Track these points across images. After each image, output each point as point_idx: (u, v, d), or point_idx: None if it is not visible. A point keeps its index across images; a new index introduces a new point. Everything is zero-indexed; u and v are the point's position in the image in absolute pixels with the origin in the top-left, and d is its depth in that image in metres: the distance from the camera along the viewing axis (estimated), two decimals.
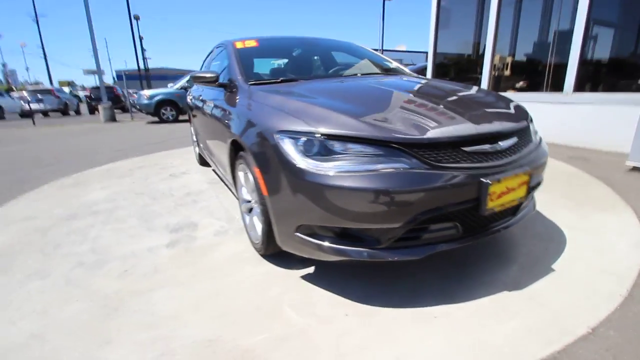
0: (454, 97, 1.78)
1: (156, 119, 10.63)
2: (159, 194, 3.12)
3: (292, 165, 1.36)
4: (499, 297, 1.47)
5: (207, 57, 3.70)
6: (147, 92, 10.36)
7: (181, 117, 10.95)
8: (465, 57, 6.16)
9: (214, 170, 3.76)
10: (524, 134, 1.58)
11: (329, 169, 1.29)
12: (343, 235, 1.37)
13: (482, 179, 1.29)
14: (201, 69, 3.76)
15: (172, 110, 10.41)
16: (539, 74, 4.90)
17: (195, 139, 4.18)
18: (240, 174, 1.98)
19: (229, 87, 2.20)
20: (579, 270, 1.65)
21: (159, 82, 23.08)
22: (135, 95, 23.57)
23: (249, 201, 2.00)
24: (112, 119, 11.29)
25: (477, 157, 1.35)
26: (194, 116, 3.81)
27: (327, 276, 1.68)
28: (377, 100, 1.74)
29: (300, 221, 1.41)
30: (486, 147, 1.36)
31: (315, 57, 2.71)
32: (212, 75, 2.24)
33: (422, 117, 1.42)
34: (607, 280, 1.56)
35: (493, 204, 1.33)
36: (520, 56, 5.29)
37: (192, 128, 4.24)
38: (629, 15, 4.09)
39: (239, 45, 2.50)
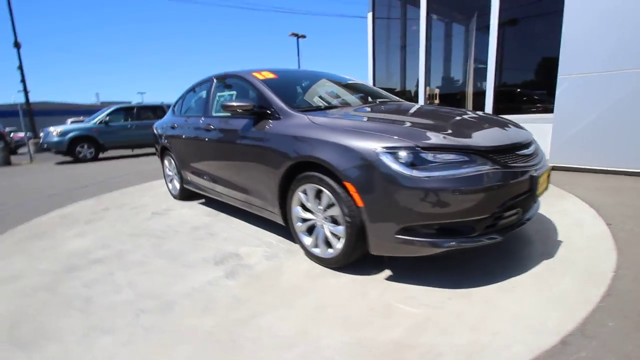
0: (481, 116, 2.24)
1: (68, 158, 9.28)
2: (161, 233, 2.87)
3: (398, 176, 1.58)
4: (537, 269, 1.90)
5: (189, 91, 3.64)
6: (56, 129, 8.99)
7: (103, 155, 9.80)
8: (401, 91, 7.14)
9: (203, 201, 3.60)
10: (536, 143, 2.12)
11: (431, 176, 1.56)
12: (442, 230, 1.63)
13: (532, 174, 1.73)
14: (181, 101, 3.68)
15: (91, 147, 9.23)
16: (461, 102, 6.04)
17: (172, 173, 3.94)
18: (300, 195, 2.08)
19: (269, 115, 2.30)
20: (574, 236, 2.22)
21: (45, 119, 20.02)
22: (16, 135, 19.69)
23: (307, 220, 2.11)
24: (7, 162, 9.35)
25: (524, 159, 1.79)
26: (164, 150, 3.65)
27: (403, 274, 1.89)
28: (435, 118, 2.08)
29: (403, 224, 1.63)
30: (526, 151, 1.83)
31: (330, 86, 2.97)
32: (249, 104, 2.32)
33: (479, 130, 1.82)
34: (593, 242, 2.15)
35: (539, 192, 1.78)
36: (448, 88, 6.43)
37: (167, 161, 3.99)
38: (526, 54, 5.44)
39: (260, 77, 2.62)
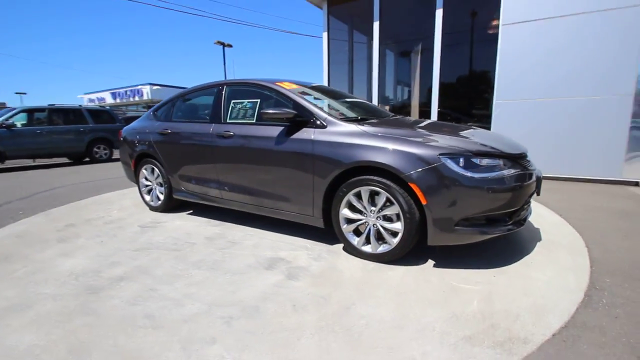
0: (487, 131, 2.74)
1: None
2: (173, 246, 2.67)
3: (458, 176, 1.92)
4: (537, 249, 2.45)
5: (180, 97, 3.46)
6: None
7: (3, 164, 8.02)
8: None
9: (191, 211, 3.42)
10: None
11: (487, 176, 1.95)
12: (489, 220, 2.02)
13: (538, 175, 2.27)
14: (168, 107, 3.48)
15: None
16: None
17: (152, 183, 3.62)
18: (351, 198, 2.26)
19: (311, 124, 2.43)
20: (543, 224, 2.88)
21: None
22: None
23: (355, 221, 2.30)
24: None
25: (530, 163, 2.32)
26: (142, 157, 3.45)
27: (445, 262, 2.22)
28: (460, 130, 2.46)
29: (461, 216, 1.96)
30: (528, 157, 2.37)
31: (340, 99, 3.20)
32: (291, 113, 2.41)
33: (500, 140, 2.30)
34: (558, 228, 2.84)
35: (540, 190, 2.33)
36: (398, 104, 7.25)
37: (145, 171, 3.64)
38: (468, 78, 6.53)
39: (288, 87, 2.71)
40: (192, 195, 3.28)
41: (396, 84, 7.50)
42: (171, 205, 3.59)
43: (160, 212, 3.63)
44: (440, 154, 1.98)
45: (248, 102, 2.87)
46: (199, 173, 3.12)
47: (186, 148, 3.17)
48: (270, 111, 2.42)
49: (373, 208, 2.22)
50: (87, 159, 9.36)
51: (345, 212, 2.32)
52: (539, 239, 2.59)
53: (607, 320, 1.59)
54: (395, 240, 2.15)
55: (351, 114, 2.86)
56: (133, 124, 3.94)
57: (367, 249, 2.27)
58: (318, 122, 2.41)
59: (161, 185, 3.57)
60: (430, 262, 2.23)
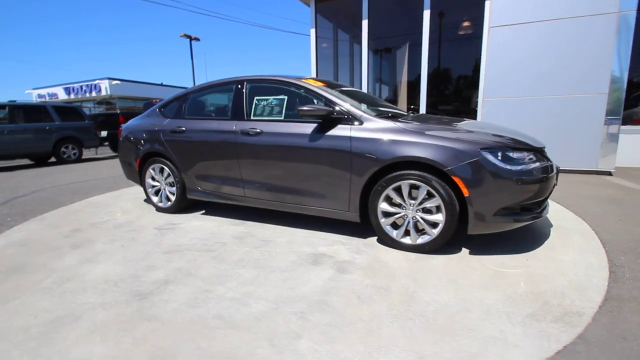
0: (507, 128, 2.92)
1: None
2: (203, 247, 2.61)
3: (498, 169, 2.07)
4: (554, 234, 2.69)
5: (192, 93, 3.34)
6: None
7: None
8: None
9: (203, 211, 3.33)
10: None
11: (522, 168, 2.11)
12: (522, 209, 2.20)
13: (557, 167, 2.49)
14: (179, 103, 3.35)
15: None
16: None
17: (160, 183, 3.47)
18: (390, 192, 2.34)
19: (346, 120, 2.47)
20: (549, 212, 3.15)
21: None
22: None
23: (393, 214, 2.40)
24: None
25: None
26: (149, 157, 3.37)
27: (480, 250, 2.38)
28: (487, 127, 2.61)
29: (500, 206, 2.12)
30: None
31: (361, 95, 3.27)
32: (327, 110, 2.44)
33: (524, 136, 2.48)
34: (562, 214, 3.12)
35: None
36: (385, 97, 7.44)
37: (152, 171, 3.49)
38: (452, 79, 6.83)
39: (317, 84, 2.73)
40: (210, 194, 3.20)
41: (381, 81, 7.69)
42: (183, 205, 3.47)
43: (171, 213, 3.50)
44: (482, 149, 2.13)
45: (274, 99, 2.85)
46: (220, 171, 3.05)
47: (205, 146, 3.08)
48: (307, 108, 2.43)
49: (412, 201, 2.32)
50: (53, 160, 8.66)
51: (383, 206, 2.40)
52: (551, 225, 2.84)
53: (637, 292, 1.81)
54: (436, 231, 2.27)
55: (374, 111, 2.94)
56: (134, 121, 3.74)
57: (407, 240, 2.38)
58: (354, 119, 2.47)
59: (172, 185, 3.43)
60: (465, 251, 2.38)
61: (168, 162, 3.36)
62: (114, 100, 28.78)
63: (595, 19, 4.38)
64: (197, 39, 25.44)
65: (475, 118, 5.54)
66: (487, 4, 5.75)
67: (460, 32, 6.48)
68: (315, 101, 2.66)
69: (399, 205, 2.39)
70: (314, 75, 7.54)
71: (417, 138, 2.26)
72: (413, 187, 2.30)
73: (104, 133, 10.34)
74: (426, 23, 6.29)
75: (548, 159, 2.37)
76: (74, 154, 8.80)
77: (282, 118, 2.76)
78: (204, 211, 3.55)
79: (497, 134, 2.32)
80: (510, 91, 4.99)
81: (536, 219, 2.26)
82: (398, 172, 2.30)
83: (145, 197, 4.24)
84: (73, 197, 4.46)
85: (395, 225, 2.45)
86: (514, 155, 2.17)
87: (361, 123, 2.45)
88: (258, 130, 2.78)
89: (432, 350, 1.41)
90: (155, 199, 3.58)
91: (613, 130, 4.49)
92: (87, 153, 10.38)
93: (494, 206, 2.13)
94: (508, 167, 2.11)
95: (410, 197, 2.33)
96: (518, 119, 5.07)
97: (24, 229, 3.18)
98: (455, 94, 6.45)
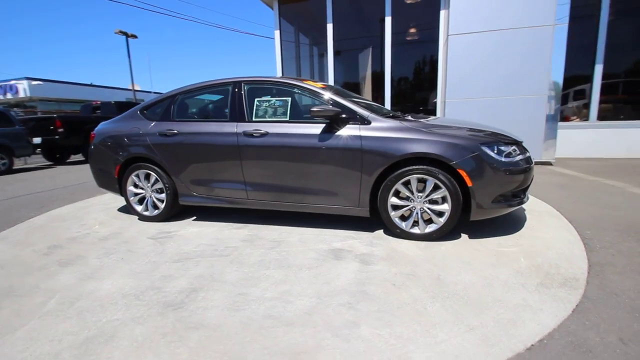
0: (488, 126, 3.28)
1: None
2: (214, 252, 2.54)
3: (495, 162, 2.36)
4: (529, 217, 3.10)
5: (181, 94, 3.19)
6: None
7: None
8: None
9: (195, 217, 3.22)
10: None
11: (513, 160, 2.42)
12: (512, 195, 2.51)
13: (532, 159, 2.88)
14: (168, 105, 3.19)
15: None
16: None
17: (146, 191, 3.26)
18: (399, 186, 2.51)
19: (354, 120, 2.59)
20: None
21: None
22: None
23: (401, 207, 2.58)
24: None
25: None
26: (132, 162, 3.20)
27: (476, 234, 2.67)
28: (471, 124, 2.90)
29: (497, 194, 2.41)
30: None
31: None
32: (336, 110, 2.54)
33: (505, 132, 2.82)
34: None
35: None
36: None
37: (135, 177, 3.26)
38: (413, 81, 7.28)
39: (321, 85, 2.80)
40: (207, 199, 3.09)
41: (344, 82, 7.97)
42: (173, 213, 3.30)
43: (158, 221, 3.29)
44: (481, 144, 2.40)
45: (277, 100, 2.86)
46: (219, 174, 2.97)
47: (201, 149, 2.96)
48: (319, 109, 2.51)
49: (420, 194, 2.53)
50: None
51: (393, 200, 2.57)
52: (523, 209, 3.27)
53: (610, 257, 2.21)
54: (442, 220, 2.50)
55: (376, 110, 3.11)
56: (107, 125, 3.44)
57: (416, 230, 2.57)
58: (362, 119, 2.60)
59: (160, 191, 3.24)
60: (464, 236, 2.64)
61: (155, 168, 3.16)
62: (34, 102, 25.47)
63: (536, 30, 5.08)
64: (134, 36, 23.57)
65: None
66: (442, 13, 6.31)
67: (417, 38, 7.01)
68: (320, 102, 2.74)
69: (406, 198, 2.57)
70: (279, 74, 7.55)
71: (424, 135, 2.47)
72: (420, 180, 2.51)
73: (37, 140, 9.15)
74: (388, 29, 6.69)
75: (527, 151, 2.74)
76: (3, 164, 7.67)
77: (287, 119, 2.79)
78: (194, 217, 3.41)
79: (488, 130, 2.63)
80: (469, 93, 5.54)
81: (522, 204, 2.60)
82: (408, 168, 2.48)
83: (119, 207, 3.95)
84: (28, 212, 3.94)
85: (402, 218, 2.63)
86: (505, 148, 2.48)
87: (369, 123, 2.59)
88: (263, 132, 2.77)
89: (478, 321, 1.60)
90: (139, 207, 3.34)
91: (552, 126, 5.24)
92: (16, 163, 9.10)
93: (492, 194, 2.42)
94: (502, 159, 2.41)
95: (418, 190, 2.53)
96: (476, 118, 5.65)
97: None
98: (415, 94, 6.96)
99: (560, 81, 5.13)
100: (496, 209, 2.47)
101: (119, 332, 1.63)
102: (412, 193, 2.54)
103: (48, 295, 1.99)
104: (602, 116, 5.85)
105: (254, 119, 2.88)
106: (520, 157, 2.52)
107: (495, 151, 2.42)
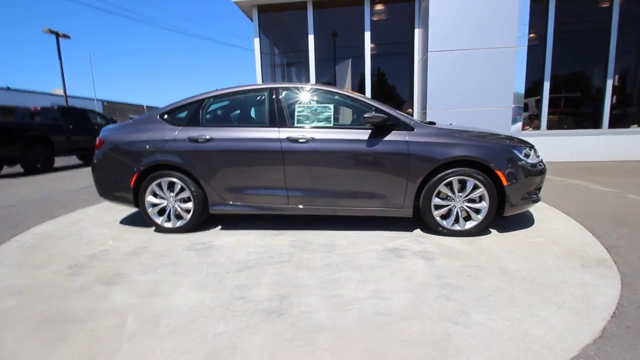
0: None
1: None
2: (274, 261, 2.48)
3: (525, 163, 2.70)
4: (537, 211, 3.54)
5: (211, 99, 3.06)
6: None
7: None
8: None
9: (220, 227, 3.11)
10: None
11: (535, 162, 2.79)
12: (534, 193, 2.87)
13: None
14: (196, 110, 3.05)
15: None
16: None
17: (168, 201, 3.04)
18: (441, 187, 2.73)
19: (398, 127, 2.75)
20: None
21: None
22: None
23: (443, 206, 2.80)
24: None
25: None
26: (154, 170, 3.00)
27: (503, 229, 2.98)
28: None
29: (525, 191, 2.75)
30: None
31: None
32: (385, 117, 2.68)
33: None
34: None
35: None
36: None
37: (156, 187, 3.02)
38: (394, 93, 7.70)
39: (358, 94, 2.91)
40: (242, 206, 2.99)
41: None
42: (199, 223, 3.10)
43: (182, 232, 3.07)
44: (511, 147, 2.73)
45: (319, 106, 2.90)
46: (259, 181, 2.89)
47: (240, 155, 2.87)
48: (371, 115, 2.64)
49: (460, 194, 2.77)
50: None
51: (435, 200, 2.78)
52: None
53: (616, 241, 2.66)
54: (480, 217, 2.77)
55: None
56: (120, 130, 3.14)
57: (457, 227, 2.80)
58: (405, 125, 2.78)
59: (186, 200, 3.04)
60: (494, 231, 2.94)
61: (182, 175, 2.97)
62: None
63: (502, 50, 5.84)
64: (66, 36, 21.24)
65: None
66: (416, 31, 6.87)
67: (394, 53, 7.52)
68: (363, 109, 2.86)
69: (446, 198, 2.80)
70: (259, 80, 7.47)
71: (462, 140, 2.73)
72: (460, 181, 2.75)
73: None
74: (367, 42, 7.07)
75: (539, 154, 3.17)
76: None
77: (331, 125, 2.86)
78: (220, 227, 3.25)
79: (510, 136, 2.99)
80: (447, 104, 6.11)
81: (539, 201, 2.99)
82: (450, 170, 2.71)
83: (121, 220, 3.60)
84: (8, 231, 3.37)
85: (442, 216, 2.85)
86: (528, 151, 2.85)
87: (412, 129, 2.78)
88: (308, 137, 2.79)
89: (561, 299, 1.84)
90: (159, 219, 3.08)
91: (517, 134, 6.01)
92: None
93: (521, 192, 2.75)
94: (528, 161, 2.77)
95: (454, 190, 2.77)
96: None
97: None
98: (392, 104, 7.41)
99: (522, 95, 5.94)
100: (523, 206, 2.82)
101: (239, 343, 1.54)
102: (454, 193, 2.77)
103: (118, 317, 1.78)
104: (550, 126, 6.87)
105: (295, 125, 2.89)
106: (537, 159, 2.92)
107: (523, 154, 2.77)
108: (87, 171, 8.30)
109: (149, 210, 3.08)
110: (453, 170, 2.71)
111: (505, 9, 5.74)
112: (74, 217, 3.87)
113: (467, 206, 2.79)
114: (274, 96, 2.95)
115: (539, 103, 6.83)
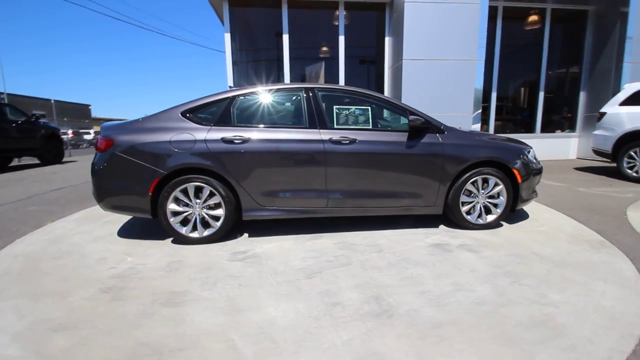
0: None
1: None
2: (335, 265, 2.45)
3: (531, 163, 3.11)
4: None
5: (239, 97, 2.88)
6: None
7: None
8: None
9: (246, 235, 2.98)
10: None
11: (537, 161, 3.23)
12: (534, 189, 3.32)
13: None
14: (225, 109, 2.86)
15: None
16: None
17: (194, 208, 2.77)
18: (468, 185, 3.00)
19: (432, 130, 2.93)
20: None
21: None
22: None
23: (468, 203, 3.08)
24: None
25: None
26: (178, 174, 2.74)
27: (510, 221, 3.38)
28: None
29: (532, 188, 3.17)
30: None
31: None
32: (422, 120, 2.84)
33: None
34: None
35: None
36: None
37: (180, 193, 2.74)
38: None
39: (390, 97, 3.01)
40: (278, 210, 2.86)
41: None
42: (227, 231, 2.88)
43: (209, 242, 2.82)
44: (522, 149, 3.12)
45: (356, 108, 2.94)
46: (299, 184, 2.81)
47: (280, 157, 2.75)
48: (414, 118, 2.79)
49: (483, 191, 3.07)
50: None
51: (463, 197, 3.04)
52: None
53: (603, 226, 3.22)
54: (499, 210, 3.11)
55: None
56: (133, 129, 2.75)
57: (480, 221, 3.10)
58: (437, 128, 2.98)
59: (214, 207, 2.80)
60: (505, 224, 3.32)
61: (211, 180, 2.73)
62: None
63: (466, 62, 6.54)
64: None
65: None
66: (386, 40, 7.29)
67: (367, 59, 7.83)
68: (399, 113, 2.99)
69: (469, 195, 3.08)
70: (229, 77, 7.11)
71: (486, 143, 3.04)
72: (483, 180, 3.05)
73: None
74: (341, 45, 7.26)
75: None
76: None
77: (370, 127, 2.92)
78: (247, 234, 3.06)
79: (500, 136, 3.42)
80: (419, 108, 6.57)
81: (537, 196, 3.47)
82: (476, 169, 2.99)
83: (117, 231, 3.16)
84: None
85: (467, 212, 3.12)
86: (532, 152, 3.29)
87: (443, 132, 2.99)
88: (351, 139, 2.81)
89: (600, 275, 2.19)
90: (183, 229, 2.78)
91: None
92: None
93: (529, 189, 3.17)
94: (533, 160, 3.20)
95: (476, 187, 3.08)
96: None
97: (24, 307, 1.85)
98: None
99: (480, 102, 6.74)
100: (529, 200, 3.25)
101: (377, 348, 1.52)
102: (478, 190, 3.06)
103: (220, 339, 1.60)
104: (496, 131, 7.90)
105: (335, 127, 2.88)
106: (537, 159, 3.38)
107: (530, 155, 3.20)
108: (12, 176, 6.90)
109: (171, 220, 2.76)
110: (478, 169, 3.00)
111: (468, 26, 6.46)
112: (49, 233, 3.24)
113: (488, 202, 3.11)
114: (311, 97, 2.90)
115: (487, 110, 7.80)
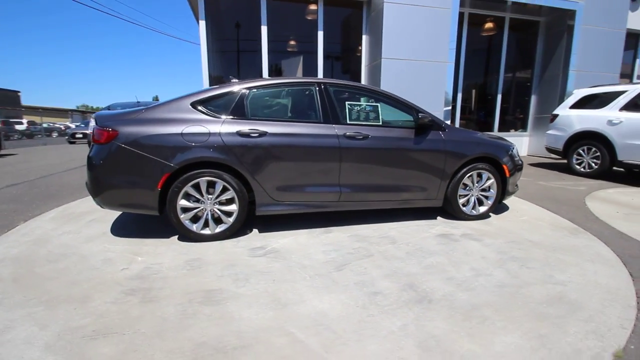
0: None
1: None
2: (361, 256, 2.52)
3: (516, 159, 3.45)
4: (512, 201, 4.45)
5: (253, 89, 2.81)
6: None
7: None
8: None
9: (256, 231, 2.97)
10: None
11: (519, 157, 3.58)
12: (516, 183, 3.68)
13: None
14: (240, 101, 2.78)
15: None
16: None
17: (206, 204, 2.68)
18: (465, 180, 3.24)
19: (435, 127, 3.11)
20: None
21: None
22: None
23: (464, 196, 3.33)
24: None
25: None
26: (189, 168, 2.65)
27: (498, 210, 3.71)
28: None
29: (516, 182, 3.50)
30: None
31: None
32: (429, 118, 3.00)
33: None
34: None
35: None
36: None
37: (192, 188, 2.62)
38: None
39: (398, 95, 3.13)
40: (292, 205, 2.85)
41: None
42: (239, 227, 2.80)
43: (221, 239, 2.73)
44: (509, 146, 3.44)
45: (367, 105, 3.00)
46: (314, 179, 2.82)
47: (297, 151, 2.73)
48: (423, 116, 2.94)
49: (477, 185, 3.34)
50: None
51: (460, 191, 3.27)
52: None
53: (572, 214, 3.67)
54: (490, 202, 3.40)
55: None
56: (138, 119, 2.55)
57: (474, 212, 3.37)
58: (439, 126, 3.17)
59: (226, 203, 2.71)
60: (493, 215, 3.64)
61: (224, 174, 2.64)
62: None
63: (438, 64, 6.93)
64: None
65: None
66: (364, 38, 7.45)
67: (344, 55, 7.92)
68: (407, 111, 3.12)
69: (465, 188, 3.33)
70: (204, 67, 6.78)
71: (481, 140, 3.30)
72: (477, 174, 3.32)
73: None
74: (320, 42, 7.28)
75: None
76: None
77: (380, 123, 3.01)
78: (256, 230, 3.00)
79: (490, 134, 3.74)
80: None
81: (517, 191, 3.84)
82: (473, 164, 3.24)
83: (110, 229, 2.95)
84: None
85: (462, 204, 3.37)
86: (515, 149, 3.64)
87: (445, 129, 3.19)
88: (365, 134, 2.88)
89: (587, 257, 2.52)
90: (194, 226, 2.66)
91: None
92: None
93: (514, 183, 3.51)
94: (518, 156, 3.54)
95: (472, 181, 3.34)
96: None
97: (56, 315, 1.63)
98: None
99: (450, 101, 7.21)
100: (513, 193, 3.59)
101: (432, 331, 1.63)
102: (473, 184, 3.32)
103: (281, 334, 1.60)
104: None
105: (348, 122, 2.93)
106: (519, 156, 3.74)
107: (514, 152, 3.53)
108: None
109: (182, 216, 2.62)
110: (474, 165, 3.25)
111: (440, 30, 6.85)
112: (28, 234, 2.89)
113: (480, 194, 3.39)
114: (323, 91, 2.91)
115: (453, 110, 8.34)
